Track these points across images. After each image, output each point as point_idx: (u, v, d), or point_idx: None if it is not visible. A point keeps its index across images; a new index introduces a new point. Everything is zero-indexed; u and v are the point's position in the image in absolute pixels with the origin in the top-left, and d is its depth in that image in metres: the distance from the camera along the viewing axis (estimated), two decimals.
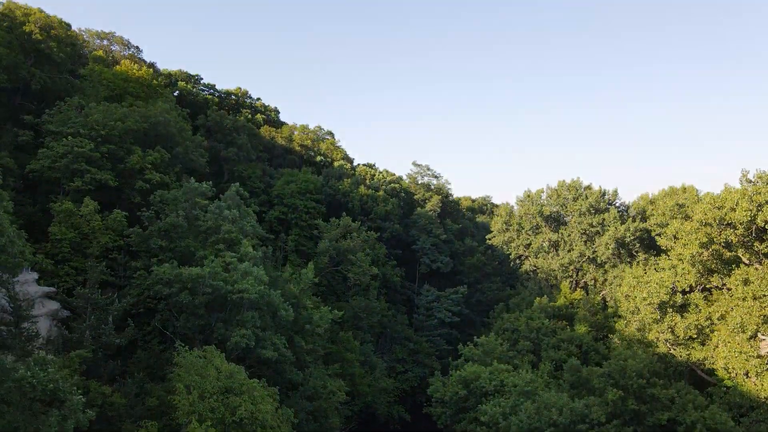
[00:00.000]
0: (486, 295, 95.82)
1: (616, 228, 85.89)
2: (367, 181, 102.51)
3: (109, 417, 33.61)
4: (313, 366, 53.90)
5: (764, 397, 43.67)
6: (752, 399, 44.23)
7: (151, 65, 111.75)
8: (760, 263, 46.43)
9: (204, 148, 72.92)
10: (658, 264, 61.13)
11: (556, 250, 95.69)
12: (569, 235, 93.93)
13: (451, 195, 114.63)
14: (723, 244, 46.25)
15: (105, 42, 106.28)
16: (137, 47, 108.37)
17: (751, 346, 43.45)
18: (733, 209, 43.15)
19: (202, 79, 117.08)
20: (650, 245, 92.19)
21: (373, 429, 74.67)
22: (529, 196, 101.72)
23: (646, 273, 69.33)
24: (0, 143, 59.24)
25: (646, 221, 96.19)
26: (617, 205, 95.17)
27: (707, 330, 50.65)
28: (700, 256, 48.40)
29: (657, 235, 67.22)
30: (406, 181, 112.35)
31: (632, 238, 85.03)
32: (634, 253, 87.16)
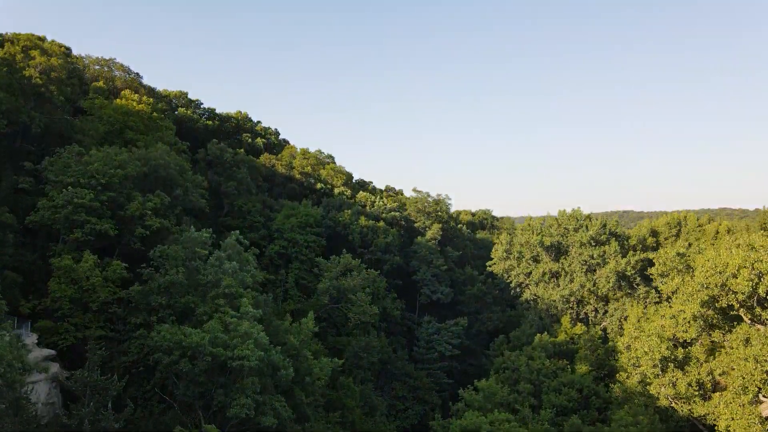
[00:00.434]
0: (486, 325, 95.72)
1: (617, 261, 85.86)
2: (368, 208, 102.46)
3: None
4: (313, 418, 53.75)
5: None
6: None
7: (151, 91, 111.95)
8: (762, 324, 46.29)
9: (204, 187, 72.71)
10: (658, 309, 60.93)
11: (557, 280, 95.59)
12: (570, 265, 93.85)
13: (452, 220, 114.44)
14: (725, 306, 46.16)
15: (106, 68, 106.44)
16: (137, 74, 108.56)
17: (752, 412, 43.33)
18: (734, 275, 43.07)
19: (202, 103, 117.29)
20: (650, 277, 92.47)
21: None
22: (529, 224, 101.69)
23: (645, 315, 69.26)
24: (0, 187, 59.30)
25: (646, 251, 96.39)
26: (618, 234, 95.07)
27: (709, 385, 50.55)
28: (701, 314, 48.29)
29: (658, 277, 66.82)
30: (407, 197, 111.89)
31: (633, 272, 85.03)
32: (635, 286, 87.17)
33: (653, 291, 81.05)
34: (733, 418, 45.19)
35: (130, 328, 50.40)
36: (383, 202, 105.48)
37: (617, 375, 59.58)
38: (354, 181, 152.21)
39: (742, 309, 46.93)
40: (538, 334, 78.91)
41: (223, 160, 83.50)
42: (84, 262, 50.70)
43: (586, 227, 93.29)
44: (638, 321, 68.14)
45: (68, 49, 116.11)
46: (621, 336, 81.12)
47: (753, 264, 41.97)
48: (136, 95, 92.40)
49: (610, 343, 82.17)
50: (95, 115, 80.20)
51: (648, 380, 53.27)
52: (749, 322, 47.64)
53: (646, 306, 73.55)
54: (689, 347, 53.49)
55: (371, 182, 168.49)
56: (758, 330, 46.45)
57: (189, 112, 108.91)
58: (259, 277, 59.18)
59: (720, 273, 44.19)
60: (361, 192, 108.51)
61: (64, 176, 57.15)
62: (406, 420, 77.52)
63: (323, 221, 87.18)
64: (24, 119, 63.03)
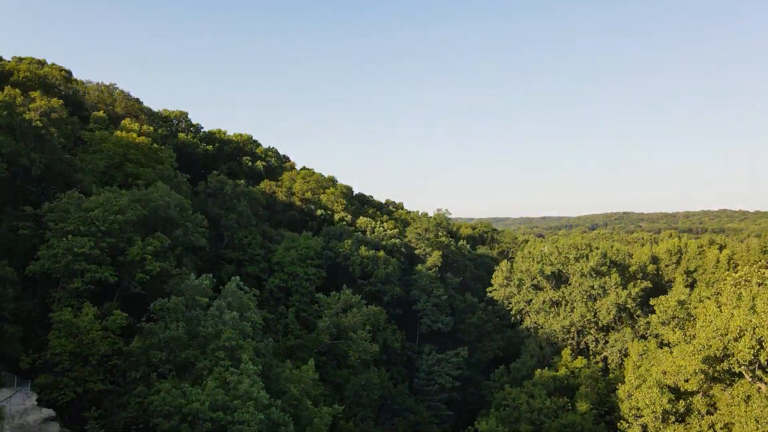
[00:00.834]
0: (487, 354, 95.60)
1: (617, 294, 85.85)
2: (368, 234, 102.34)
3: None
4: None
5: None
6: None
7: (151, 114, 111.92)
8: (763, 383, 46.19)
9: (204, 226, 72.59)
10: (657, 354, 60.75)
11: (557, 308, 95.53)
12: (570, 294, 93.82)
13: (452, 243, 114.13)
14: (726, 368, 46.12)
15: (106, 94, 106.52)
16: (137, 99, 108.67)
17: None
18: (736, 339, 43.00)
19: (202, 128, 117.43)
20: (650, 307, 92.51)
21: None
22: (530, 252, 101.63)
23: (646, 354, 69.00)
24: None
25: (647, 278, 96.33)
26: (618, 262, 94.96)
27: None
28: (702, 370, 48.19)
29: (659, 324, 66.55)
30: (406, 211, 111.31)
31: (633, 305, 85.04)
32: (636, 317, 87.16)
33: (654, 318, 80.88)
34: None
35: (129, 381, 50.30)
36: (383, 227, 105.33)
37: (618, 424, 59.47)
38: (354, 195, 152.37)
39: (743, 367, 46.83)
40: (538, 370, 78.84)
41: (223, 192, 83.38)
42: (84, 315, 50.57)
43: (587, 257, 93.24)
44: (639, 360, 68.15)
45: (69, 72, 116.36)
46: (621, 368, 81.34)
47: (754, 329, 41.84)
48: (137, 124, 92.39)
49: (610, 375, 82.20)
50: (95, 149, 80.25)
51: None
52: (750, 379, 47.53)
53: (647, 343, 73.22)
54: (690, 398, 53.41)
55: (371, 196, 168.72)
56: (759, 389, 46.33)
57: (189, 136, 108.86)
58: (259, 323, 59.04)
59: (722, 336, 44.07)
60: (361, 217, 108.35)
61: (64, 223, 57.04)
62: None
63: (323, 252, 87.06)
64: (24, 162, 62.89)
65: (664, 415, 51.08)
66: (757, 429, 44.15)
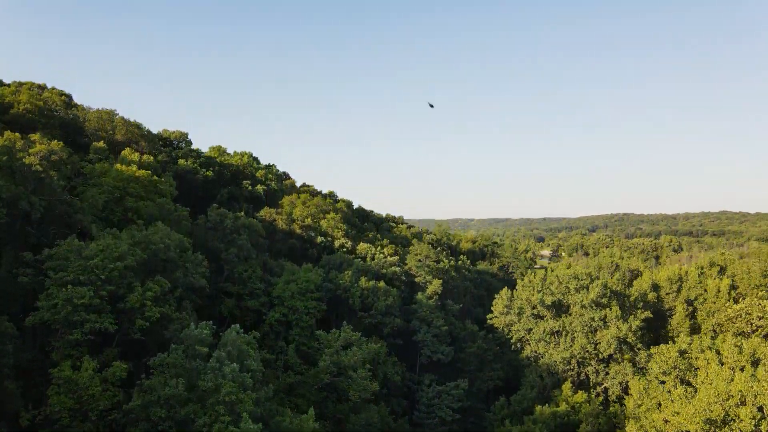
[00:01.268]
0: (487, 384, 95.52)
1: (618, 327, 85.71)
2: (368, 261, 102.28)
3: None
4: None
5: None
6: None
7: (151, 140, 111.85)
8: None
9: (204, 266, 72.52)
10: (659, 399, 60.62)
11: (557, 338, 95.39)
12: (571, 324, 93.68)
13: (452, 269, 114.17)
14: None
15: (106, 120, 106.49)
16: (138, 125, 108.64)
17: None
18: (738, 406, 42.90)
19: (202, 152, 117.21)
20: (652, 338, 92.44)
21: None
22: (531, 281, 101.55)
23: (648, 391, 68.85)
24: None
25: (648, 307, 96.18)
26: (618, 292, 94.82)
27: None
28: (703, 429, 48.11)
29: (659, 374, 66.28)
30: (406, 222, 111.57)
31: (634, 338, 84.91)
32: (636, 350, 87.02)
33: (654, 350, 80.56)
34: None
35: None
36: (383, 254, 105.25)
37: None
38: (354, 210, 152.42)
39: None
40: (539, 406, 78.71)
41: (223, 225, 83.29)
42: (84, 371, 50.48)
43: (587, 288, 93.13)
44: (640, 399, 68.09)
45: (69, 96, 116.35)
46: (623, 401, 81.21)
47: (756, 396, 41.75)
48: (137, 154, 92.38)
49: (611, 408, 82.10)
50: (95, 182, 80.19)
51: None
52: None
53: (648, 381, 72.91)
54: None
55: (372, 211, 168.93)
56: None
57: (189, 162, 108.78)
58: (259, 370, 58.95)
59: (723, 401, 43.97)
60: (361, 243, 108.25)
61: (63, 272, 56.93)
62: None
63: (324, 285, 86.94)
64: (24, 206, 62.79)
65: None
66: None
